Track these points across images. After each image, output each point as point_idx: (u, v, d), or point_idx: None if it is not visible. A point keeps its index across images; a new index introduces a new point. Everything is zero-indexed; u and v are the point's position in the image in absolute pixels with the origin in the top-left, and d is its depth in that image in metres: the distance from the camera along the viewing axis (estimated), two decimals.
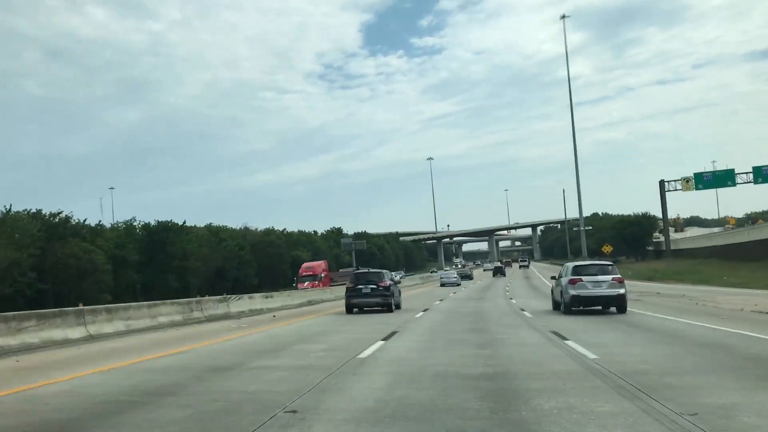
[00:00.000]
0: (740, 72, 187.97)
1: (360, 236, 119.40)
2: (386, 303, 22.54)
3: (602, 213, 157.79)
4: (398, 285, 28.04)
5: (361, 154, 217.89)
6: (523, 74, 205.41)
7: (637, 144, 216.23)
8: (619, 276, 18.98)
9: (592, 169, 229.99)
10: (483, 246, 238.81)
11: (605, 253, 61.58)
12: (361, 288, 23.37)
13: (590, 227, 79.92)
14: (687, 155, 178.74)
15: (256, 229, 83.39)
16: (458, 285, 52.37)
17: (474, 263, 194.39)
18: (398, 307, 23.65)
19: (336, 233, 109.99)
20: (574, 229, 69.56)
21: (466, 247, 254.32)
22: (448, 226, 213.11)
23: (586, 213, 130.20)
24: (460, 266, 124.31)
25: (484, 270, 74.17)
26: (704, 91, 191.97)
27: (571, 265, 19.34)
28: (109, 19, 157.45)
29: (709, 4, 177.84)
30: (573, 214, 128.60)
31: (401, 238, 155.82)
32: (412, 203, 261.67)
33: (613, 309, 19.03)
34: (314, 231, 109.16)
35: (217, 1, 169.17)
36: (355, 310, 22.70)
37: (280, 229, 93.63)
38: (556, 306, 20.51)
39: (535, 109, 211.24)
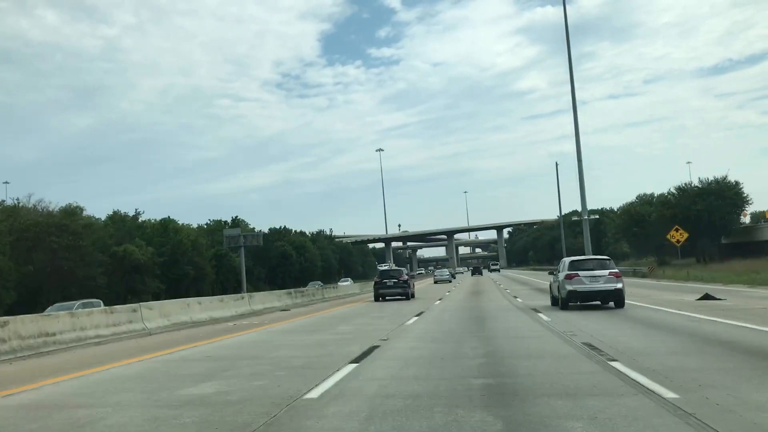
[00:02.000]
0: (688, 87, 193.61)
1: (276, 233, 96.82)
2: (405, 293, 31.09)
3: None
4: (413, 279, 37.74)
5: (318, 163, 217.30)
6: (479, 87, 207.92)
7: (591, 156, 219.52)
8: (616, 270, 20.05)
9: (546, 180, 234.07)
10: (440, 252, 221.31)
11: (676, 243, 42.71)
12: (386, 281, 31.81)
13: (596, 216, 66.97)
14: (637, 168, 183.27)
15: (44, 209, 50.85)
16: (450, 282, 62.52)
17: (426, 270, 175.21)
18: (413, 296, 31.54)
19: (230, 226, 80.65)
20: (575, 218, 59.35)
21: (422, 253, 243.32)
22: (399, 226, 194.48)
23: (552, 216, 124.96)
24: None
25: (435, 281, 65.86)
26: (654, 106, 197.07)
27: (568, 260, 21.03)
28: (61, 22, 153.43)
29: (658, 21, 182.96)
30: (546, 214, 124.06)
31: (339, 240, 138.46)
32: (369, 213, 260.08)
33: (611, 304, 20.08)
34: (199, 224, 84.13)
35: (172, 7, 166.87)
36: (380, 298, 31.15)
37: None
38: (554, 301, 21.75)
39: (490, 121, 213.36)
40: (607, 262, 19.49)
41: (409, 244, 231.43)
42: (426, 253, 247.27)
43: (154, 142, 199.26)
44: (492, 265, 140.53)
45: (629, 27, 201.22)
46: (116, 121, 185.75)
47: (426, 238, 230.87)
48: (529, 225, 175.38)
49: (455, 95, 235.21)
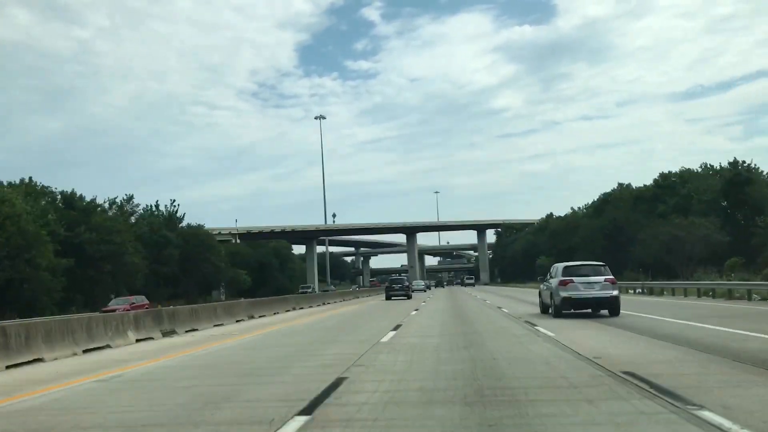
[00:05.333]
0: (660, 111, 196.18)
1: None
2: (407, 294, 49.11)
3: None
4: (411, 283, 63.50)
5: (291, 174, 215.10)
6: (455, 103, 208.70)
7: (560, 177, 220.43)
8: (611, 277, 20.92)
9: (521, 198, 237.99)
10: (401, 260, 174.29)
11: None
12: (394, 286, 49.62)
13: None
14: (606, 189, 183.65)
15: None
16: (425, 291, 75.77)
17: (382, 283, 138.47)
18: (411, 297, 48.98)
19: None
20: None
21: (376, 263, 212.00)
22: (334, 216, 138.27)
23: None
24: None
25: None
26: (626, 129, 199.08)
27: (561, 265, 22.97)
28: (33, 23, 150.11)
29: (633, 44, 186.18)
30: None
31: (214, 231, 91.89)
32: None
33: (604, 311, 20.92)
34: None
35: (147, 12, 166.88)
36: (389, 298, 48.41)
37: None
38: (545, 309, 23.37)
39: (464, 138, 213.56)
40: (603, 268, 19.55)
41: (362, 250, 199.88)
42: (382, 262, 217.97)
43: (125, 148, 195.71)
44: (466, 278, 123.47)
45: (604, 49, 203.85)
46: (87, 126, 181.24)
47: (374, 231, 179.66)
48: (525, 225, 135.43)
49: (431, 111, 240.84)
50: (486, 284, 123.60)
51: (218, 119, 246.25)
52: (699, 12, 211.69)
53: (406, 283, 51.22)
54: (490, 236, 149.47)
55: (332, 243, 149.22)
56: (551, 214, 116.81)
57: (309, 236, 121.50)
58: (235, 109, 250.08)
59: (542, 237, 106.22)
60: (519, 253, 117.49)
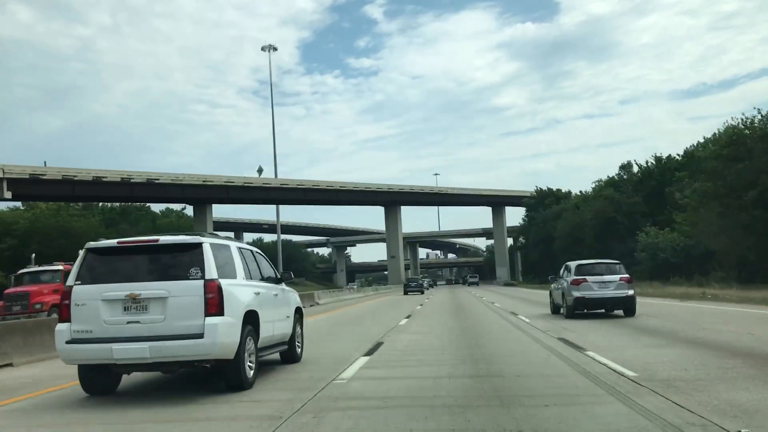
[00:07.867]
0: (662, 110, 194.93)
1: None
2: (420, 290, 73.73)
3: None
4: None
5: (292, 173, 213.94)
6: (457, 101, 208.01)
7: (562, 175, 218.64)
8: (627, 276, 20.80)
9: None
10: (381, 250, 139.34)
11: None
12: (411, 284, 72.68)
13: None
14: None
15: None
16: (428, 289, 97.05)
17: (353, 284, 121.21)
18: (423, 293, 73.74)
19: None
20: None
21: (359, 256, 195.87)
22: (260, 171, 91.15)
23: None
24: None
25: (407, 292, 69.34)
26: (628, 127, 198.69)
27: (573, 264, 22.27)
28: (34, 20, 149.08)
29: (636, 42, 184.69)
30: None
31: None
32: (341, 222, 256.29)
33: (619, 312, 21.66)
34: None
35: (149, 9, 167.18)
36: (407, 293, 75.75)
37: None
38: (556, 309, 23.06)
39: (466, 136, 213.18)
40: (617, 266, 18.93)
41: (332, 240, 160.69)
42: (373, 253, 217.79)
43: (126, 146, 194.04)
44: (470, 277, 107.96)
45: (607, 47, 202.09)
46: (88, 124, 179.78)
47: (350, 228, 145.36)
48: (566, 195, 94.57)
49: (433, 109, 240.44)
50: (509, 284, 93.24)
51: (220, 117, 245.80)
52: (703, 9, 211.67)
53: (420, 282, 74.68)
54: (510, 220, 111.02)
55: (293, 230, 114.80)
56: (629, 162, 72.05)
57: (202, 199, 72.20)
58: (237, 107, 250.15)
59: (627, 194, 64.21)
60: (587, 226, 68.58)
